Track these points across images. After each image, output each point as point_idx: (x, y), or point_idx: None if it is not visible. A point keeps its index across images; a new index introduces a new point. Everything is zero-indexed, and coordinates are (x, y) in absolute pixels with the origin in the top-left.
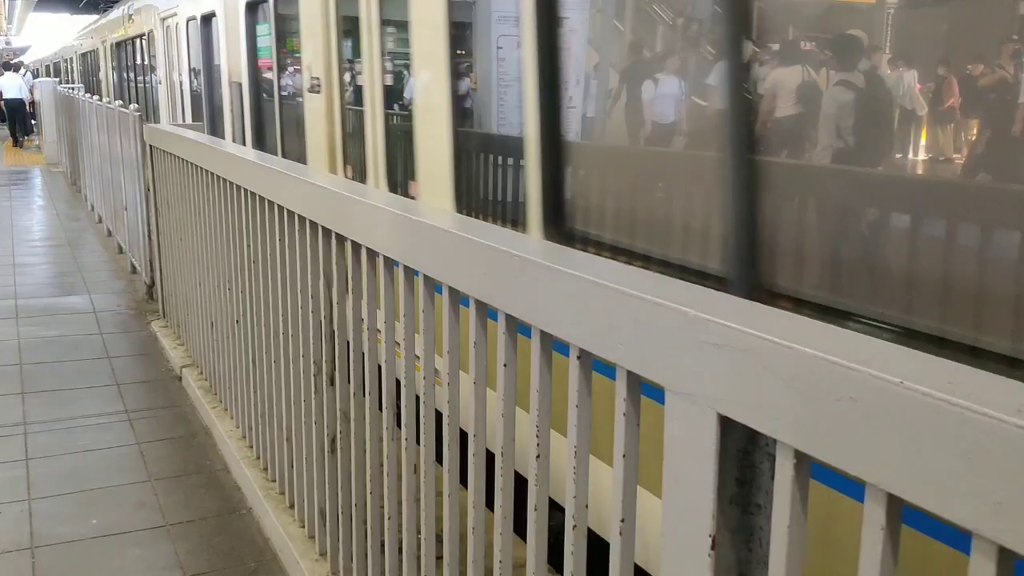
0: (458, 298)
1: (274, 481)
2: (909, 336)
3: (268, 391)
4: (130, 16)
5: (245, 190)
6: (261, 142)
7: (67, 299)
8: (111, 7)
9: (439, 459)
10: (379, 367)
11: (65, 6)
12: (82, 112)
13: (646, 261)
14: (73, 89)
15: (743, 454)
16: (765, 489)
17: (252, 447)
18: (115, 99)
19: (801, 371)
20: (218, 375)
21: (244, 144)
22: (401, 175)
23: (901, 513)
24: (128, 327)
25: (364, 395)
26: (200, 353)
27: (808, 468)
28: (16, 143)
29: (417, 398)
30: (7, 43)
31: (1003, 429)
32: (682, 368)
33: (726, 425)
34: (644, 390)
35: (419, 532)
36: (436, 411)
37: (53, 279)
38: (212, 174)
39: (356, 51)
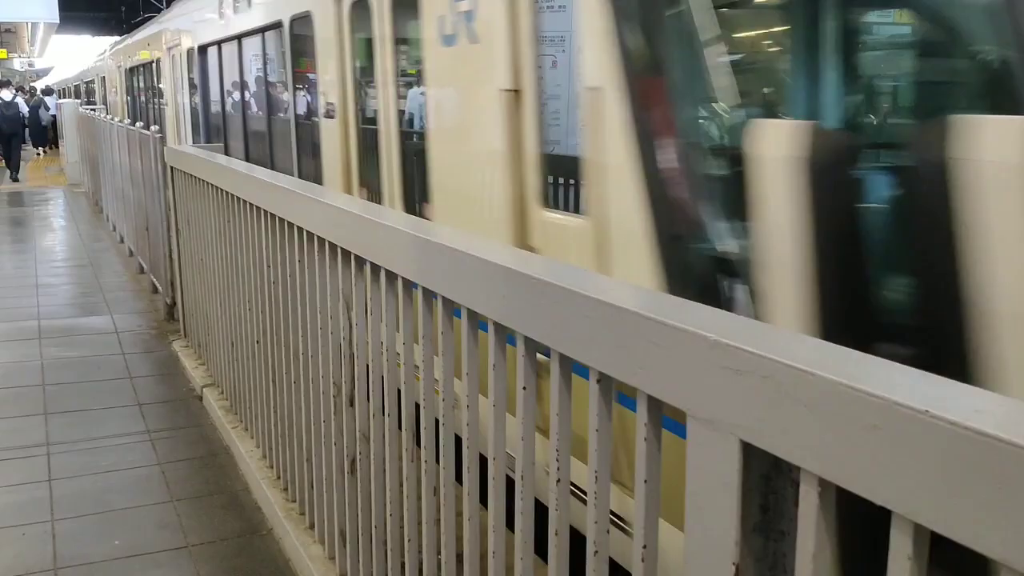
0: (477, 321)
1: (294, 502)
2: None
3: (288, 412)
4: (147, 44)
5: (265, 211)
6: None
7: (89, 319)
8: (130, 29)
9: (458, 479)
10: (398, 390)
11: (87, 27)
12: (104, 133)
13: None
14: (95, 110)
15: (766, 480)
16: (789, 516)
17: (272, 467)
18: (127, 118)
19: (824, 398)
20: (238, 395)
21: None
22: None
23: (928, 543)
24: (149, 347)
25: (383, 416)
26: (221, 373)
27: (832, 495)
28: (8, 167)
29: (436, 421)
30: (30, 65)
31: None
32: (704, 394)
33: (749, 452)
34: (665, 423)
35: (439, 553)
36: (455, 434)
37: (75, 299)
38: (232, 195)
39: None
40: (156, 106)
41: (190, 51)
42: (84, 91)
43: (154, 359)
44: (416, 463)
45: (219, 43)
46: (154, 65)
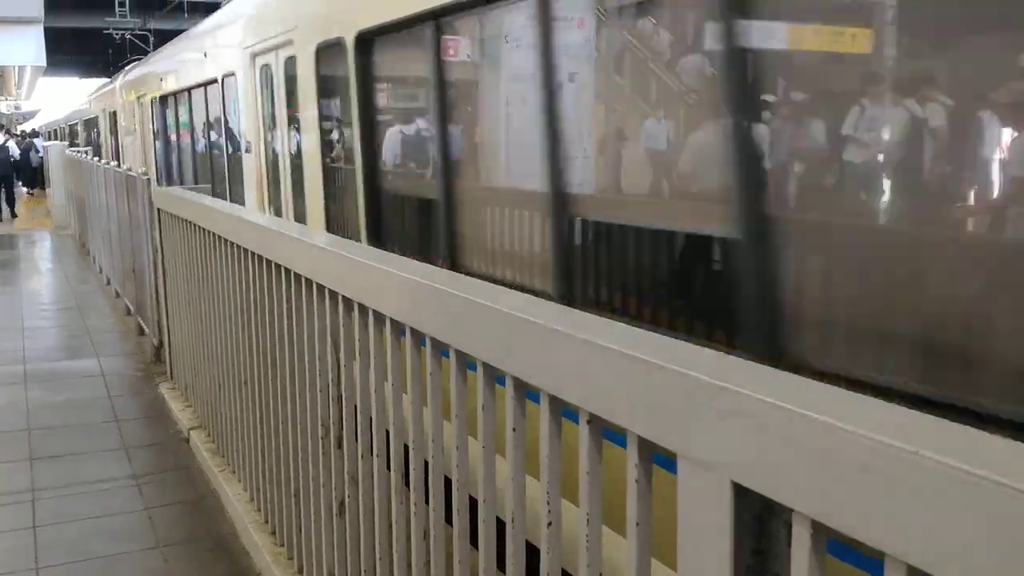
0: (465, 362)
1: (283, 546)
2: None
3: (276, 454)
4: (116, 91)
5: (252, 253)
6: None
7: (75, 362)
8: (117, 71)
9: (448, 520)
10: (387, 431)
11: (74, 70)
12: (90, 175)
13: None
14: (81, 152)
15: (759, 522)
16: (782, 558)
17: (260, 511)
18: (102, 156)
19: (815, 439)
20: (226, 437)
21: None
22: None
23: None
24: (136, 389)
25: (372, 458)
26: (208, 415)
27: (825, 537)
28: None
29: (426, 463)
30: (16, 107)
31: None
32: (695, 435)
33: (741, 493)
34: (657, 460)
35: None
36: (445, 476)
37: (62, 342)
38: (219, 236)
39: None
40: (124, 145)
41: (152, 100)
42: (70, 133)
43: (140, 402)
44: (405, 505)
45: (175, 94)
46: (120, 112)
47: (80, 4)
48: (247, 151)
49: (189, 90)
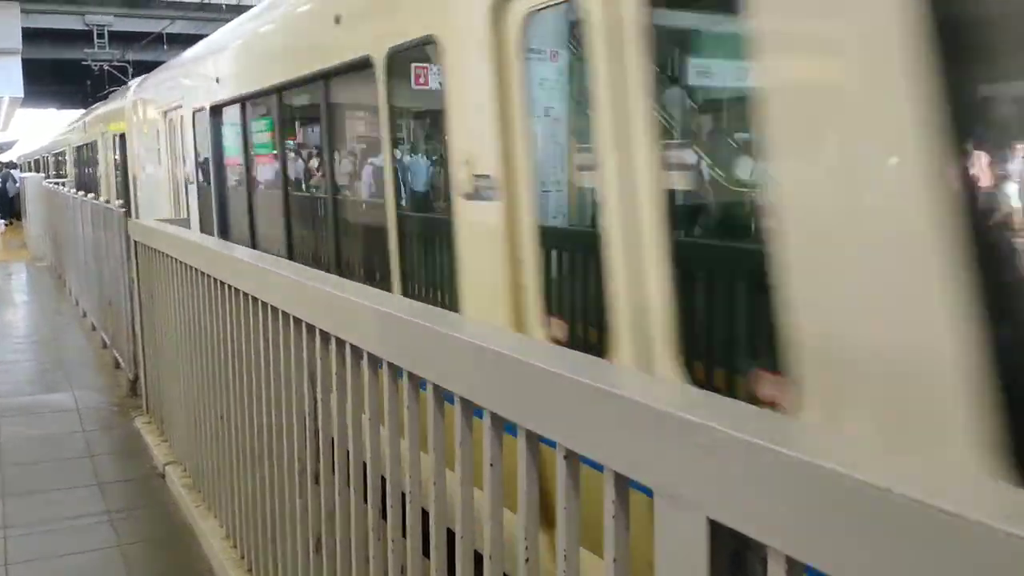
0: (442, 395)
1: None
2: None
3: (252, 490)
4: (84, 127)
5: (229, 286)
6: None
7: (50, 396)
8: (96, 102)
9: (426, 554)
10: (364, 464)
11: (52, 101)
12: (66, 207)
13: None
14: (58, 184)
15: (735, 559)
16: None
17: (236, 547)
18: (100, 194)
19: (790, 476)
20: (202, 473)
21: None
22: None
23: None
24: (111, 424)
25: (349, 492)
26: (184, 450)
27: (801, 574)
28: None
29: (403, 495)
30: None
31: (994, 536)
32: (671, 471)
33: (717, 530)
34: (636, 485)
35: None
36: (423, 509)
37: (36, 376)
38: (196, 270)
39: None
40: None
41: (115, 136)
42: (45, 164)
43: (115, 436)
44: (383, 541)
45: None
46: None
47: (59, 36)
48: (188, 182)
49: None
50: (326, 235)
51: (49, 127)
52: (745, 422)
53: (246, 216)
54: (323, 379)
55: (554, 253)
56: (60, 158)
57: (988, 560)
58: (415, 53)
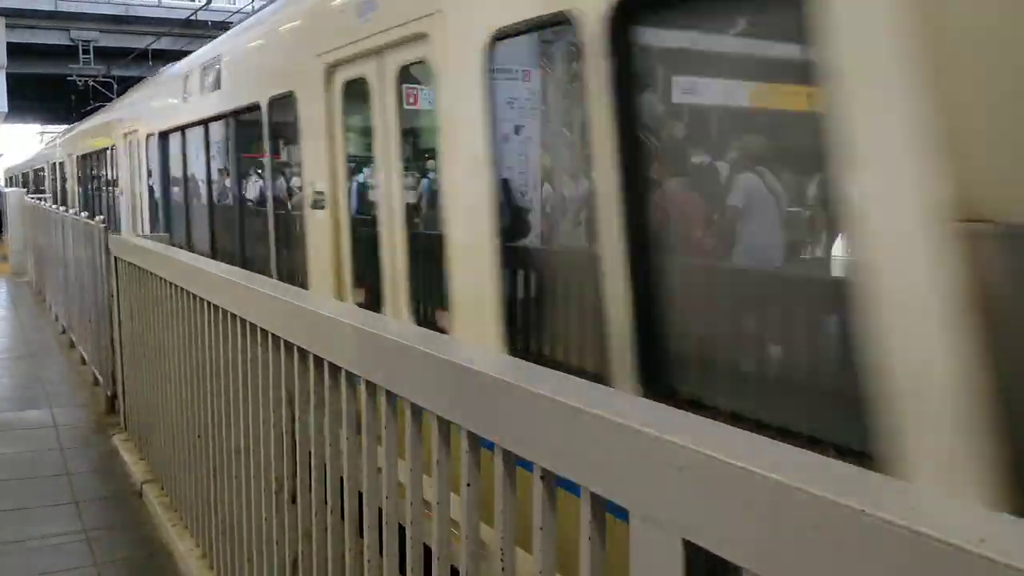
0: (419, 413)
1: None
2: None
3: (229, 509)
4: (56, 148)
5: (207, 302)
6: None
7: (27, 413)
8: (80, 118)
9: (402, 571)
10: (340, 478)
11: (36, 116)
12: (47, 222)
13: None
14: (40, 199)
15: None
16: None
17: (213, 568)
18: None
19: (764, 497)
20: (179, 491)
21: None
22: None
23: None
24: (89, 442)
25: (327, 512)
26: (161, 468)
27: None
28: None
29: (380, 511)
30: None
31: (967, 559)
32: (646, 491)
33: (692, 550)
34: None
35: None
36: (400, 524)
37: (13, 392)
38: (174, 285)
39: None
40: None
41: (77, 158)
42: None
43: (93, 454)
44: (360, 560)
45: (93, 153)
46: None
47: (43, 51)
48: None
49: (99, 152)
50: (235, 235)
51: (32, 143)
52: (718, 441)
53: (183, 223)
54: (301, 397)
55: (359, 243)
56: (40, 173)
57: None
58: (285, 102)
